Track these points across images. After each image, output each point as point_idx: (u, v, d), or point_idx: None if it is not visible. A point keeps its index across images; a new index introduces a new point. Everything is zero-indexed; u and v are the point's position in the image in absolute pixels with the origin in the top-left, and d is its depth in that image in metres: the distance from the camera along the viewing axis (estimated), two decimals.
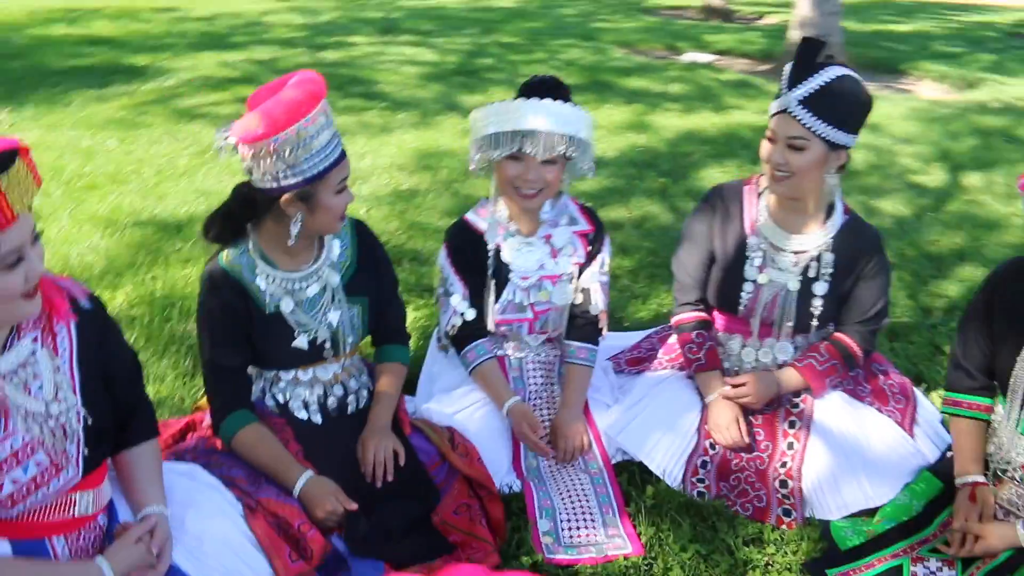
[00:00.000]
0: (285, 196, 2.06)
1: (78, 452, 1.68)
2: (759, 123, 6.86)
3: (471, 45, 9.97)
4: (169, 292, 3.50)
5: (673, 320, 2.76)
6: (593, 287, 2.68)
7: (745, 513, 2.46)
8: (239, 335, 2.21)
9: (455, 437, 2.41)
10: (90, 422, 1.70)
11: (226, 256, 2.20)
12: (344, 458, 2.28)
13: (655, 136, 6.38)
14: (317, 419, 2.35)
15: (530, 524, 2.35)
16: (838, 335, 2.63)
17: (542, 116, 2.39)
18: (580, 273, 2.69)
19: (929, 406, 2.78)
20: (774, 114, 2.40)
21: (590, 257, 2.68)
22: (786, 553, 2.32)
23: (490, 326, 2.65)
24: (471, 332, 2.63)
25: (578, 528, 2.36)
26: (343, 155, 2.10)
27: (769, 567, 2.27)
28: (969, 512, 2.24)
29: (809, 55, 2.37)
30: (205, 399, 2.69)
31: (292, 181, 2.02)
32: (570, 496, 2.46)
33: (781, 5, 17.21)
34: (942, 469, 2.45)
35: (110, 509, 1.85)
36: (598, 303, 2.69)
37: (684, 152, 6.01)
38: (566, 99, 2.46)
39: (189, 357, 3.05)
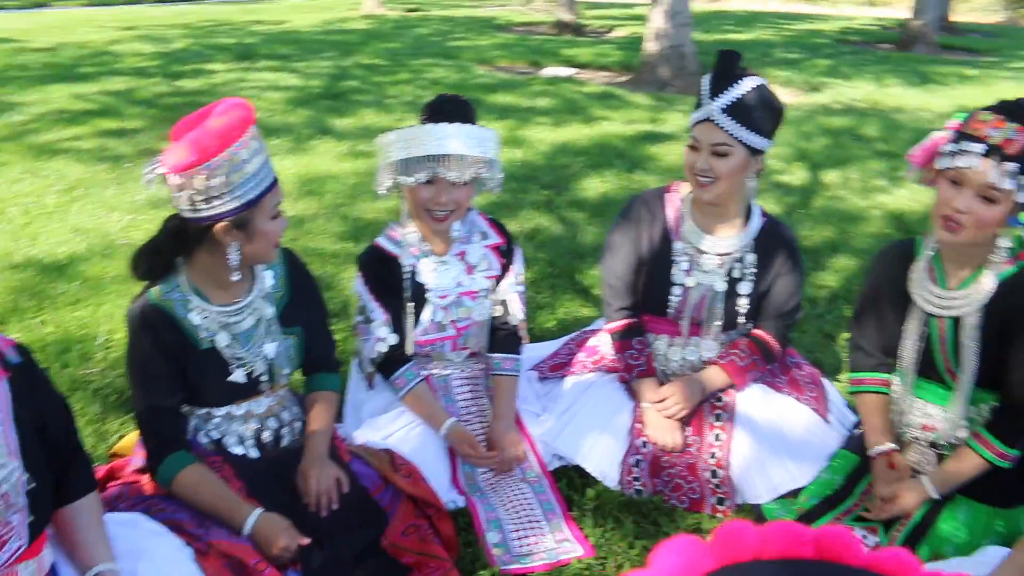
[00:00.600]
0: (220, 224, 2.00)
1: (22, 521, 1.58)
2: (628, 133, 7.13)
3: (333, 68, 9.88)
4: (63, 336, 3.31)
5: (606, 327, 2.83)
6: (511, 298, 2.72)
7: (682, 506, 2.55)
8: (174, 373, 2.13)
9: (395, 459, 2.40)
10: (33, 485, 1.60)
11: (156, 293, 2.12)
12: (286, 491, 2.23)
13: (531, 150, 6.51)
14: (254, 454, 2.29)
15: (479, 538, 2.35)
16: (757, 331, 2.76)
17: (454, 140, 2.41)
18: (496, 286, 2.72)
19: (834, 392, 2.96)
20: (697, 123, 2.50)
21: (504, 269, 2.72)
22: None
23: (410, 349, 2.64)
24: (396, 357, 2.62)
25: (526, 536, 2.38)
26: (276, 180, 2.07)
27: None
28: (889, 478, 2.41)
29: (728, 66, 2.49)
30: (121, 444, 2.58)
31: (228, 207, 1.97)
32: (514, 506, 2.49)
33: (628, 19, 17.90)
34: (854, 445, 2.62)
35: (52, 574, 1.74)
36: (517, 313, 2.74)
37: (562, 164, 6.16)
38: (472, 119, 2.49)
39: (96, 401, 2.89)
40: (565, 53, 11.83)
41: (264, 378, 2.25)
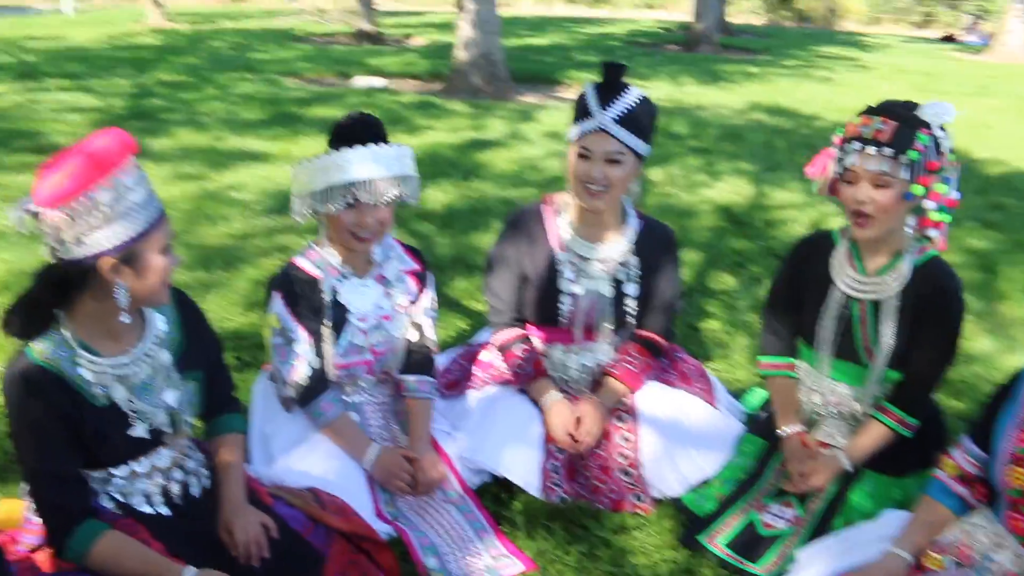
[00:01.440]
0: (106, 260, 1.83)
1: None
2: (455, 141, 7.17)
3: (132, 86, 9.29)
4: None
5: (495, 342, 2.84)
6: (425, 322, 2.68)
7: (604, 507, 2.61)
8: (71, 437, 1.93)
9: (320, 496, 2.30)
10: None
11: (39, 352, 1.91)
12: (210, 546, 2.08)
13: None
14: (165, 511, 2.11)
15: (417, 566, 2.30)
16: (642, 332, 2.85)
17: (371, 164, 2.34)
18: (412, 309, 2.68)
19: (717, 381, 3.12)
20: (586, 134, 2.55)
21: (420, 293, 2.68)
22: (652, 534, 2.49)
23: (331, 373, 2.55)
24: (317, 382, 2.52)
25: (463, 557, 2.35)
26: (164, 212, 1.93)
27: (644, 550, 2.43)
28: (802, 456, 2.59)
29: (614, 77, 2.58)
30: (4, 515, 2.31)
31: (113, 241, 1.81)
32: (444, 528, 2.45)
33: (424, 26, 17.97)
34: (759, 428, 2.78)
35: None
36: (432, 337, 2.71)
37: None
38: (384, 137, 2.43)
39: None
40: (371, 63, 11.74)
41: (167, 429, 2.09)
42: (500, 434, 2.68)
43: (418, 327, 2.69)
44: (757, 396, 3.16)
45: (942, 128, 2.34)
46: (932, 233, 2.45)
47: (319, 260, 2.52)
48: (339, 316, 2.52)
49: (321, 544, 2.18)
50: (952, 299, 2.48)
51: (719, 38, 16.30)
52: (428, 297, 2.69)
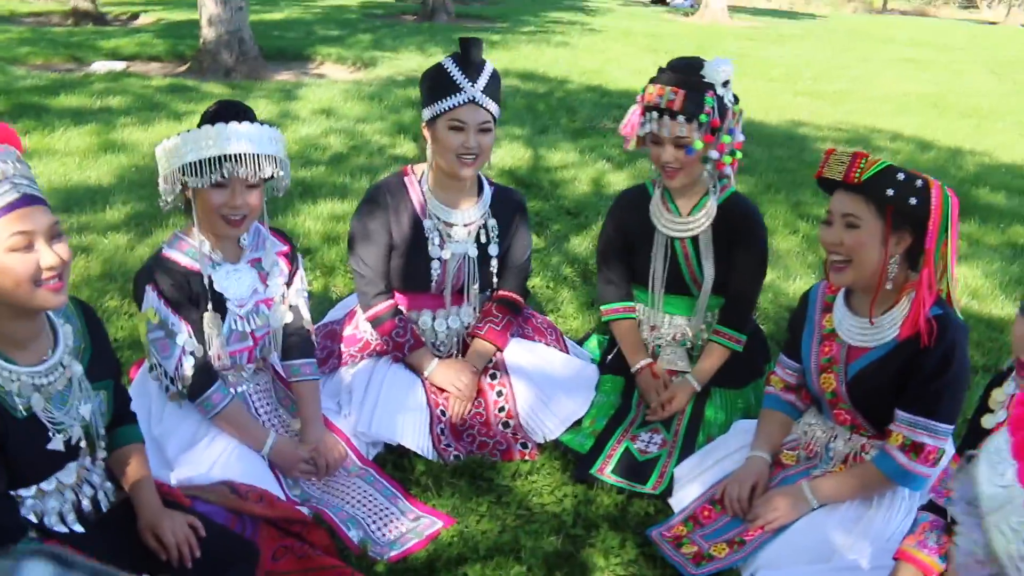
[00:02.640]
0: None
1: None
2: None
3: None
4: None
5: (368, 315, 2.90)
6: (300, 303, 2.70)
7: (495, 459, 2.78)
8: None
9: (237, 487, 2.29)
10: None
11: None
12: (136, 555, 2.03)
13: (134, 154, 6.01)
14: (79, 529, 2.03)
15: (344, 539, 2.35)
16: (501, 292, 3.04)
17: (246, 139, 2.32)
18: (286, 292, 2.68)
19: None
20: (457, 107, 2.67)
21: (292, 275, 2.68)
22: (547, 475, 2.71)
23: (217, 362, 2.51)
24: (205, 374, 2.47)
25: (384, 525, 2.44)
26: (33, 197, 1.79)
27: (545, 490, 2.64)
28: (656, 386, 2.93)
29: (475, 52, 2.73)
30: None
31: None
32: (357, 500, 2.52)
33: (149, 4, 16.82)
34: (613, 368, 3.07)
35: None
36: (307, 317, 2.72)
37: None
38: (255, 120, 2.41)
39: None
40: (103, 45, 10.87)
41: (83, 444, 2.01)
42: (387, 405, 2.78)
43: (294, 309, 2.70)
44: (595, 342, 3.46)
45: (725, 84, 2.73)
46: (727, 172, 2.84)
47: (189, 249, 2.47)
48: (217, 304, 2.49)
49: (250, 534, 2.19)
50: (755, 224, 2.92)
51: (454, 7, 16.65)
52: (299, 277, 2.71)
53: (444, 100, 2.70)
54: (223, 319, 2.50)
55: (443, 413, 2.82)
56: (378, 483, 2.60)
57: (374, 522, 2.44)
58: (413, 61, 10.71)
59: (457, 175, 2.80)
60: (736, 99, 2.78)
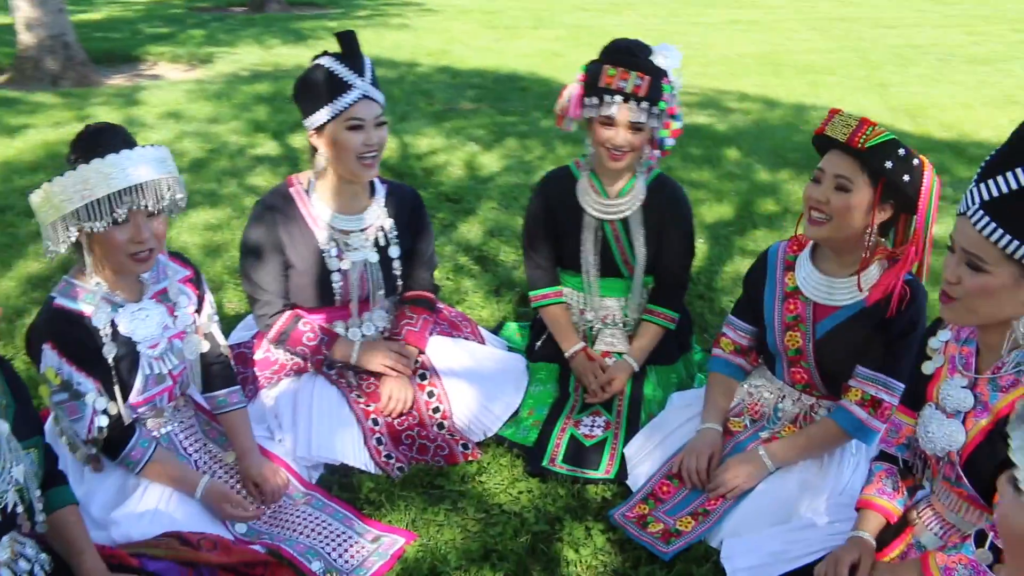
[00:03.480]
0: None
1: None
2: (68, 137, 6.39)
3: None
4: None
5: (271, 335, 2.74)
6: (213, 329, 2.52)
7: (440, 464, 2.70)
8: None
9: (186, 537, 2.12)
10: None
11: None
12: None
13: None
14: None
15: (306, 574, 2.22)
16: (411, 292, 2.93)
17: (142, 166, 2.11)
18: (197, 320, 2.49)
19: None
20: (353, 104, 2.54)
21: (200, 301, 2.49)
22: (496, 473, 2.65)
23: (126, 416, 2.29)
24: (120, 431, 2.26)
25: (346, 550, 2.32)
26: None
27: (499, 489, 2.58)
28: (593, 369, 2.91)
29: (356, 45, 2.60)
30: None
31: None
32: (310, 529, 2.38)
33: None
34: (545, 355, 3.04)
35: None
36: (223, 342, 2.55)
37: (20, 187, 5.34)
38: (133, 142, 2.19)
39: None
40: None
41: (20, 509, 1.81)
42: (321, 424, 2.65)
43: (208, 336, 2.52)
44: (511, 329, 3.42)
45: (673, 71, 2.73)
46: (655, 154, 2.85)
47: (87, 295, 2.21)
48: (127, 350, 2.27)
49: None
50: (683, 204, 2.95)
51: None
52: (208, 302, 2.53)
53: (337, 100, 2.55)
54: (138, 366, 2.29)
55: (375, 423, 2.71)
56: (328, 507, 2.47)
57: (333, 549, 2.32)
58: (253, 55, 10.27)
59: (360, 178, 2.67)
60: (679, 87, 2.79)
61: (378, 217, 2.80)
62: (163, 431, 2.42)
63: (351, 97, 2.55)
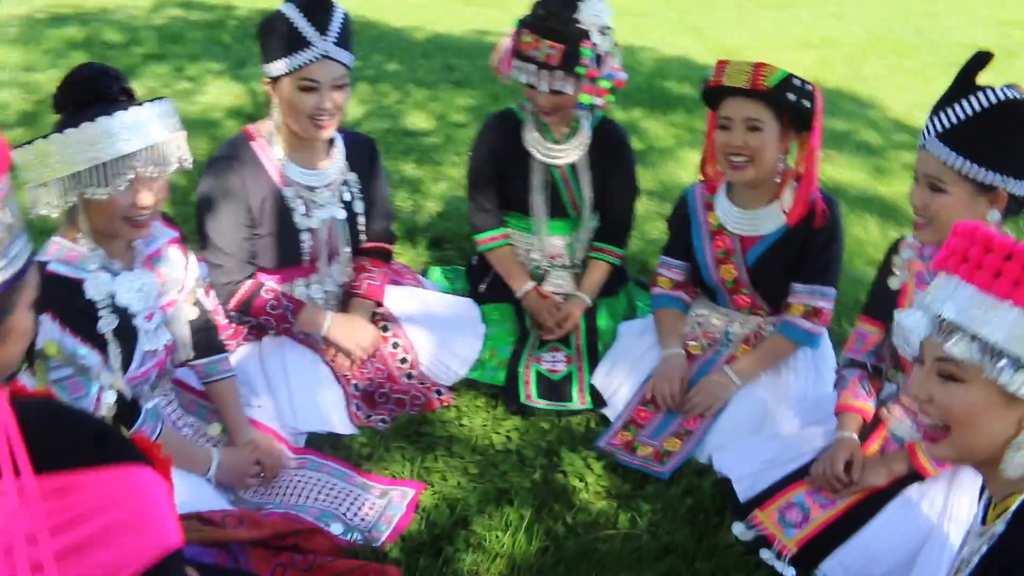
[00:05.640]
0: None
1: None
2: None
3: None
4: None
5: (232, 304, 2.59)
6: (200, 293, 2.35)
7: (415, 411, 2.69)
8: None
9: (209, 516, 2.00)
10: None
11: None
12: None
13: None
14: None
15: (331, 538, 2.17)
16: (369, 243, 2.86)
17: (155, 124, 1.92)
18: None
19: None
20: (309, 63, 2.42)
21: (187, 262, 2.32)
22: (477, 415, 2.68)
23: (127, 392, 2.11)
24: (128, 408, 2.09)
25: (359, 508, 2.29)
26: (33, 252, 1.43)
27: (484, 431, 2.62)
28: (547, 307, 2.98)
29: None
30: None
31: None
32: (316, 493, 2.33)
33: None
34: (497, 296, 3.07)
35: None
36: (210, 307, 2.40)
37: None
38: (134, 94, 2.00)
39: None
40: None
41: None
42: (302, 391, 2.58)
43: (196, 301, 2.35)
44: (436, 275, 3.42)
45: (602, 31, 2.74)
46: (598, 101, 2.90)
47: (82, 260, 2.02)
48: (123, 322, 2.09)
49: (244, 565, 1.95)
50: (627, 147, 3.07)
51: None
52: (194, 263, 2.35)
53: (290, 57, 2.42)
54: (132, 338, 2.11)
55: (356, 388, 2.66)
56: (325, 467, 2.42)
57: (347, 509, 2.28)
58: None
59: (312, 138, 2.57)
60: (616, 42, 2.80)
61: (341, 171, 2.71)
62: (148, 406, 2.26)
63: (306, 56, 2.42)
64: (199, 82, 6.17)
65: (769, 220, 2.61)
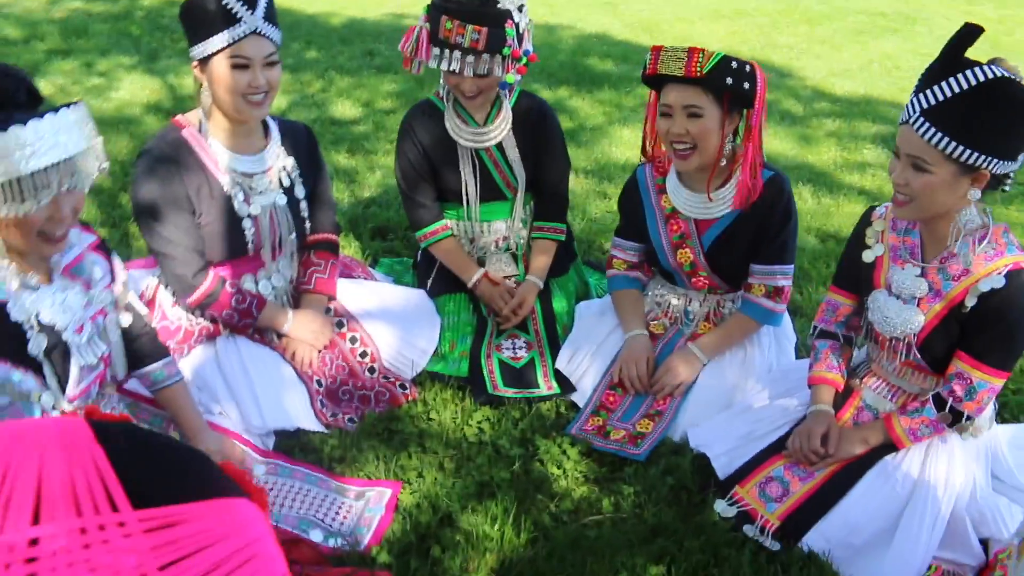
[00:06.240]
0: None
1: None
2: None
3: None
4: None
5: (194, 298, 2.49)
6: (131, 297, 2.23)
7: (384, 407, 2.63)
8: None
9: None
10: None
11: None
12: None
13: None
14: None
15: (313, 546, 2.10)
16: (316, 235, 2.77)
17: (70, 132, 1.77)
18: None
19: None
20: (239, 40, 2.33)
21: (112, 267, 2.19)
22: (445, 409, 2.63)
23: (69, 411, 2.00)
24: None
25: (337, 512, 2.22)
26: None
27: (455, 424, 2.57)
28: (500, 293, 2.95)
29: None
30: None
31: None
32: (293, 499, 2.25)
33: None
34: (449, 287, 3.02)
35: None
36: (143, 311, 2.28)
37: None
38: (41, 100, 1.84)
39: None
40: None
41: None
42: (267, 390, 2.50)
43: (128, 307, 2.23)
44: (385, 266, 3.36)
45: (520, 7, 2.70)
46: (518, 78, 2.86)
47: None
48: (53, 340, 1.95)
49: None
50: (552, 119, 3.05)
51: None
52: (120, 267, 2.23)
53: (220, 34, 2.32)
54: (66, 356, 1.98)
55: (319, 383, 2.59)
56: (297, 472, 2.34)
57: (325, 515, 2.21)
58: None
59: (246, 118, 2.47)
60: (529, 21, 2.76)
61: (278, 157, 2.62)
62: None
63: (236, 32, 2.32)
64: (111, 77, 5.91)
65: (722, 203, 2.59)
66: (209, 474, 0.69)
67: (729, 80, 2.37)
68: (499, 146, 2.92)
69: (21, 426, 0.65)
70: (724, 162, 2.52)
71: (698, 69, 2.35)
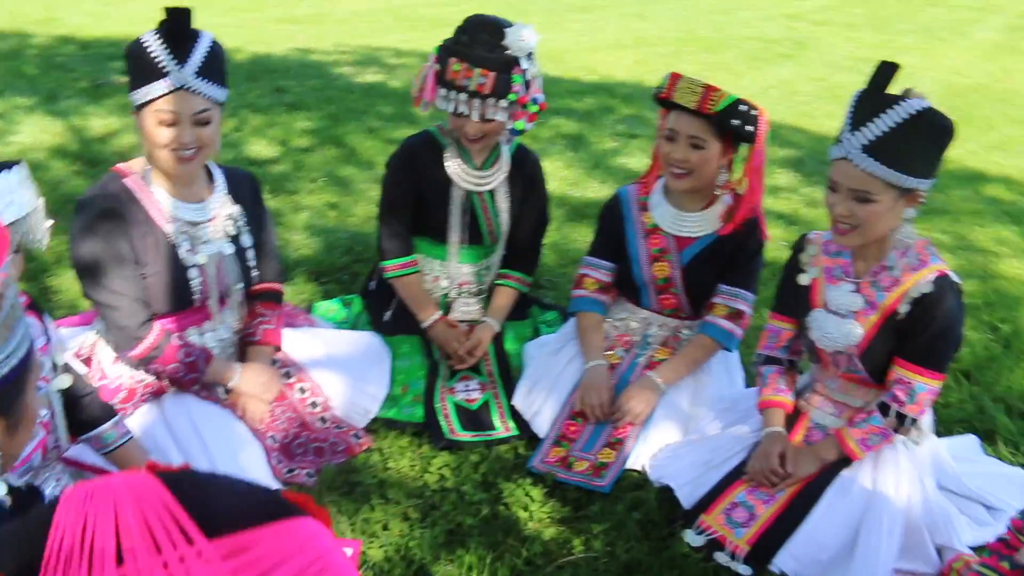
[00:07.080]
0: None
1: None
2: None
3: None
4: None
5: (138, 351, 2.38)
6: (68, 358, 2.12)
7: (340, 458, 2.57)
8: None
9: None
10: None
11: None
12: None
13: None
14: None
15: None
16: (261, 285, 2.69)
17: (10, 196, 1.71)
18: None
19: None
20: (163, 95, 2.24)
21: (45, 328, 2.08)
22: (402, 457, 2.58)
23: (13, 479, 1.88)
24: (20, 497, 1.85)
25: None
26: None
27: (414, 472, 2.53)
28: (456, 336, 2.94)
29: (185, 25, 2.29)
30: None
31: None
32: None
33: None
34: (402, 328, 2.98)
35: None
36: (82, 370, 2.18)
37: None
38: None
39: None
40: None
41: None
42: (220, 451, 2.40)
43: (66, 368, 2.12)
44: (322, 309, 3.29)
45: (529, 56, 2.71)
46: (528, 126, 2.85)
47: None
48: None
49: None
50: (541, 174, 3.10)
51: None
52: (53, 327, 2.13)
53: (147, 86, 2.25)
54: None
55: (273, 439, 2.52)
56: None
57: None
58: None
59: (177, 173, 2.40)
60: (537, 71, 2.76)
61: (223, 205, 2.55)
62: (54, 491, 2.02)
63: (160, 88, 2.24)
64: (9, 120, 5.65)
65: (705, 223, 2.71)
66: (271, 500, 0.73)
67: (735, 122, 2.49)
68: (491, 192, 2.93)
69: (92, 485, 0.69)
70: (718, 191, 2.67)
71: (710, 107, 2.47)
